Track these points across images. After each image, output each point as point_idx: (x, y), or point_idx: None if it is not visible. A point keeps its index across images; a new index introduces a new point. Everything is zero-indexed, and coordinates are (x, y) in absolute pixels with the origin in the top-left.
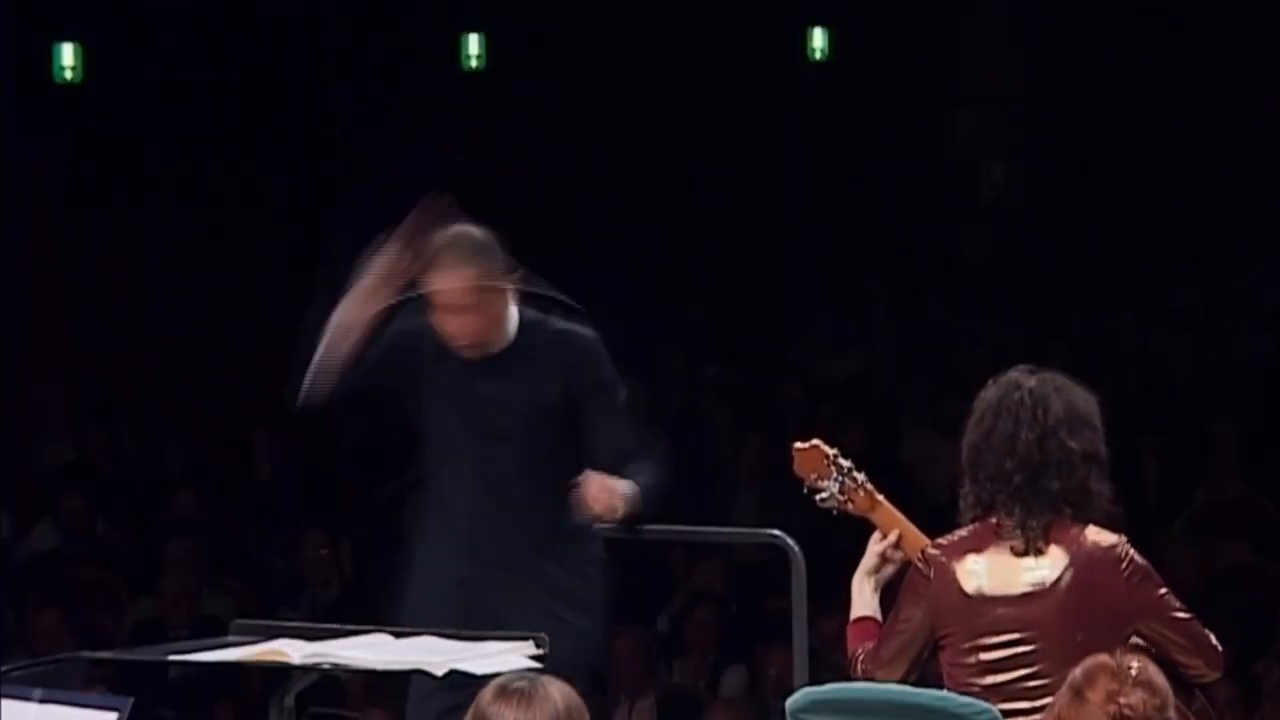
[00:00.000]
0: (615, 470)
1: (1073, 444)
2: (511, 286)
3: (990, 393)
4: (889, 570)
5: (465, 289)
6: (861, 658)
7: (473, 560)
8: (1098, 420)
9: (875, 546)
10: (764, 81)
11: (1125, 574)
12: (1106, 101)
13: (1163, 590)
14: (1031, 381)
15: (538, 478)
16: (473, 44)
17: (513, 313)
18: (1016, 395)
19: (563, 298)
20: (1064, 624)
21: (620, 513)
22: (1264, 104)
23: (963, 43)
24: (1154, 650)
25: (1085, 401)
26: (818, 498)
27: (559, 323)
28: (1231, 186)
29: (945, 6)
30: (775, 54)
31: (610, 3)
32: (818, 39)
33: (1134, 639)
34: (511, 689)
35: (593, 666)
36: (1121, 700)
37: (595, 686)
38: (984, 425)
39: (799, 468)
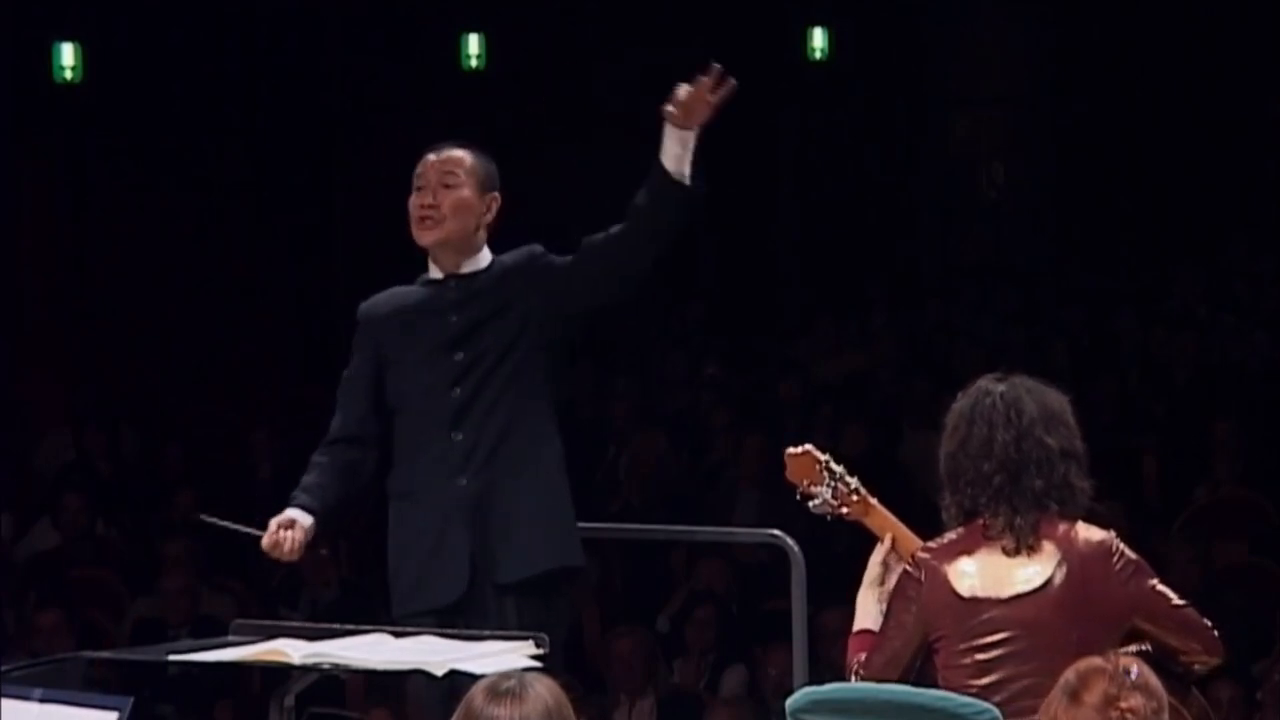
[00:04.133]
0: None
1: (1050, 441)
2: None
3: (961, 403)
4: (893, 580)
5: (437, 160)
6: (856, 668)
7: (454, 463)
8: (1071, 418)
9: (877, 557)
10: (764, 81)
11: (1118, 568)
12: (1106, 102)
13: (1155, 581)
14: (1001, 386)
15: (505, 392)
16: (473, 44)
17: (485, 252)
18: (988, 400)
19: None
20: (1060, 622)
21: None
22: (1263, 104)
23: (963, 43)
24: (1149, 643)
25: (1058, 401)
26: (811, 504)
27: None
28: (1231, 186)
29: (945, 7)
30: (775, 54)
31: (610, 3)
32: (818, 39)
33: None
34: (502, 688)
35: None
36: (1122, 705)
37: (594, 686)
38: (959, 434)
39: (791, 474)
